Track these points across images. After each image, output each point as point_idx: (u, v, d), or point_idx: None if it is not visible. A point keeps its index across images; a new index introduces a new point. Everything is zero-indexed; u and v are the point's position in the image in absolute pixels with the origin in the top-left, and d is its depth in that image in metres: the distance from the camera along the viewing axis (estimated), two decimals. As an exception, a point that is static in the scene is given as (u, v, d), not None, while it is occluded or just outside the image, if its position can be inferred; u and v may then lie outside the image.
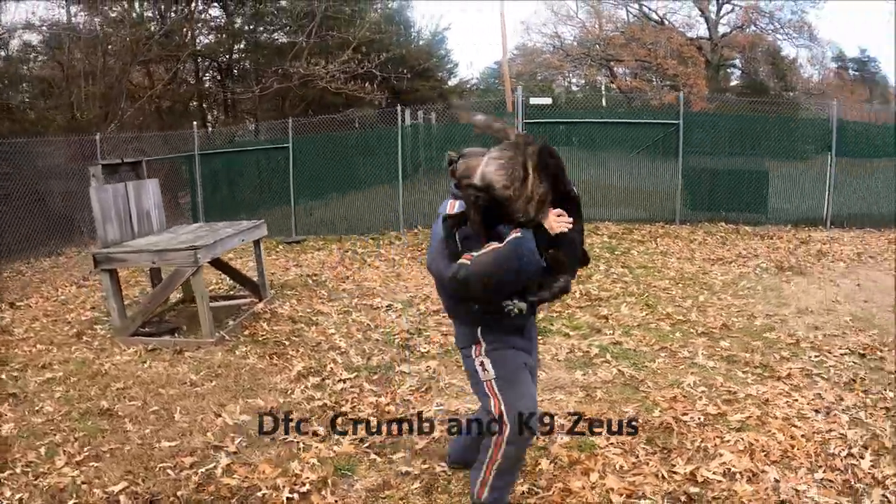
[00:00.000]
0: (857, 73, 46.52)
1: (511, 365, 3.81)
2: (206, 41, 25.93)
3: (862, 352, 7.31)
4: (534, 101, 15.77)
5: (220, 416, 5.63)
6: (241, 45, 26.52)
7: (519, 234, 3.39)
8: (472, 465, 4.14)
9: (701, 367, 6.73)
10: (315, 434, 5.33)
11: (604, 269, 11.00)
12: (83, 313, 9.32)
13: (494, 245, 3.42)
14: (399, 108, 15.49)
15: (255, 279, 9.61)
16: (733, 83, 40.63)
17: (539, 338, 7.45)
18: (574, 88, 41.05)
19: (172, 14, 21.93)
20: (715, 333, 7.80)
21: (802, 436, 5.28)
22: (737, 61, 38.40)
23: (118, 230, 8.18)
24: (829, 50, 41.38)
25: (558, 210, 3.47)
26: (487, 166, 3.32)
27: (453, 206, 3.65)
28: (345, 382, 6.44)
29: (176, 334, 8.13)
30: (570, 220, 3.49)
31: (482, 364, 3.80)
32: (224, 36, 25.61)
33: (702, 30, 35.88)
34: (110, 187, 8.12)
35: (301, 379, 6.52)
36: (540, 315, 6.91)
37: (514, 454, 3.83)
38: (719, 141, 16.29)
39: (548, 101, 16.70)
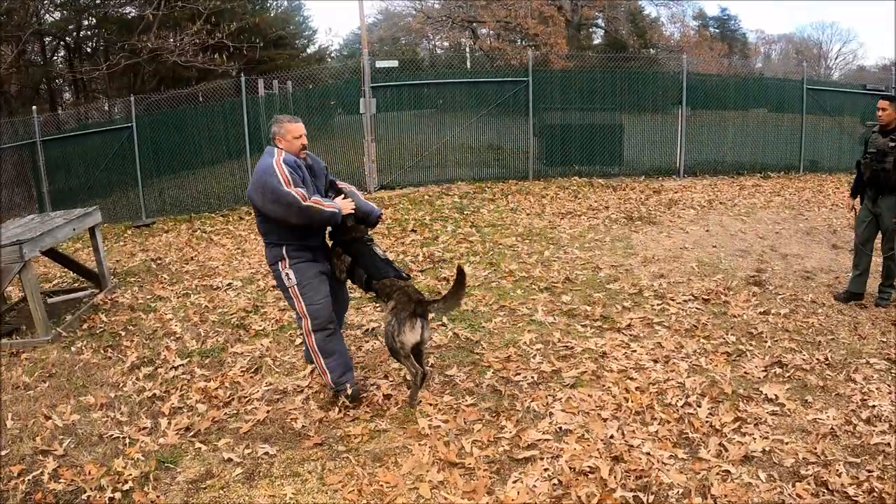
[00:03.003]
0: (717, 30, 48.01)
1: (309, 273, 5.04)
2: (52, 18, 24.15)
3: (706, 297, 7.26)
4: (380, 63, 15.26)
5: (50, 418, 5.17)
6: (91, 21, 24.88)
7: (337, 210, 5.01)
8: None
9: (539, 324, 6.52)
10: (142, 428, 4.95)
11: (451, 230, 10.75)
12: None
13: (327, 203, 4.96)
14: (243, 78, 14.71)
15: (96, 269, 8.88)
16: (596, 42, 41.04)
17: (377, 305, 7.14)
18: (438, 52, 40.74)
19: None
20: (557, 288, 7.61)
21: (637, 388, 5.11)
22: (599, 21, 38.76)
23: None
24: (689, 8, 42.44)
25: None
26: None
27: (281, 154, 4.92)
28: (177, 369, 6.03)
29: (14, 336, 7.32)
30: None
31: (287, 275, 5.01)
32: (71, 12, 23.92)
33: (562, -11, 35.94)
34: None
35: (134, 370, 6.07)
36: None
37: (323, 336, 5.04)
38: (571, 96, 16.21)
39: (394, 63, 16.14)
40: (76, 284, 9.35)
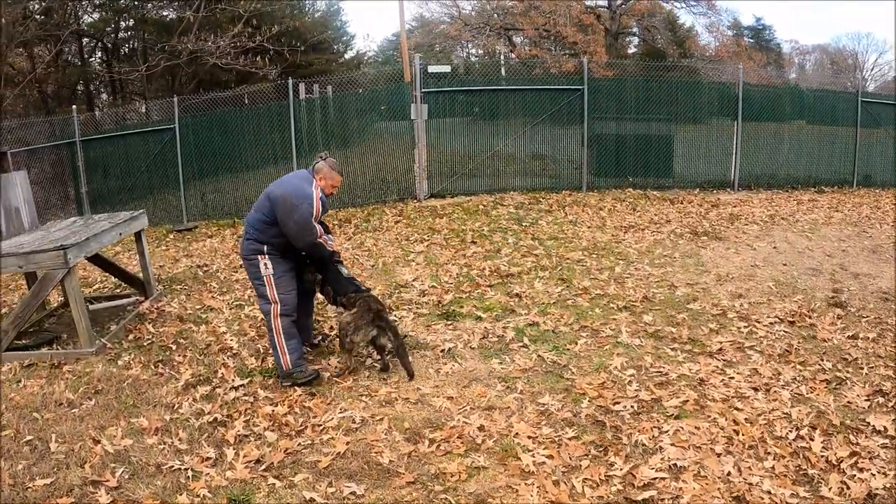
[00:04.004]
0: (751, 40, 47.42)
1: (282, 268, 5.79)
2: (91, 19, 24.15)
3: (791, 319, 6.90)
4: (432, 69, 14.99)
5: (99, 441, 4.77)
6: (129, 23, 24.87)
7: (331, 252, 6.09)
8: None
9: (627, 347, 6.20)
10: (205, 458, 4.54)
11: (512, 242, 10.39)
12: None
13: (329, 243, 5.98)
14: (290, 81, 14.44)
15: (140, 275, 8.56)
16: (632, 51, 40.66)
17: (448, 322, 6.81)
18: (473, 59, 40.49)
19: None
20: (636, 307, 7.28)
21: (746, 419, 4.78)
22: (635, 29, 38.36)
23: (-20, 232, 7.04)
24: (725, 18, 41.93)
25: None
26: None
27: (318, 189, 5.71)
28: (237, 390, 5.63)
29: (55, 345, 7.01)
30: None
31: (265, 264, 5.72)
32: (109, 13, 23.91)
33: (601, -2, 35.55)
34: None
35: (189, 389, 5.68)
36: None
37: (289, 322, 5.77)
38: (624, 106, 15.79)
39: (447, 69, 15.88)
40: (118, 290, 9.04)
